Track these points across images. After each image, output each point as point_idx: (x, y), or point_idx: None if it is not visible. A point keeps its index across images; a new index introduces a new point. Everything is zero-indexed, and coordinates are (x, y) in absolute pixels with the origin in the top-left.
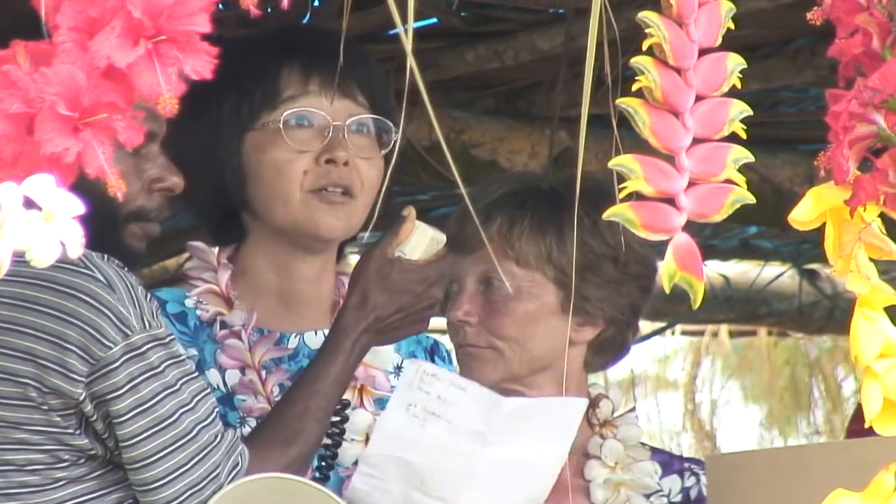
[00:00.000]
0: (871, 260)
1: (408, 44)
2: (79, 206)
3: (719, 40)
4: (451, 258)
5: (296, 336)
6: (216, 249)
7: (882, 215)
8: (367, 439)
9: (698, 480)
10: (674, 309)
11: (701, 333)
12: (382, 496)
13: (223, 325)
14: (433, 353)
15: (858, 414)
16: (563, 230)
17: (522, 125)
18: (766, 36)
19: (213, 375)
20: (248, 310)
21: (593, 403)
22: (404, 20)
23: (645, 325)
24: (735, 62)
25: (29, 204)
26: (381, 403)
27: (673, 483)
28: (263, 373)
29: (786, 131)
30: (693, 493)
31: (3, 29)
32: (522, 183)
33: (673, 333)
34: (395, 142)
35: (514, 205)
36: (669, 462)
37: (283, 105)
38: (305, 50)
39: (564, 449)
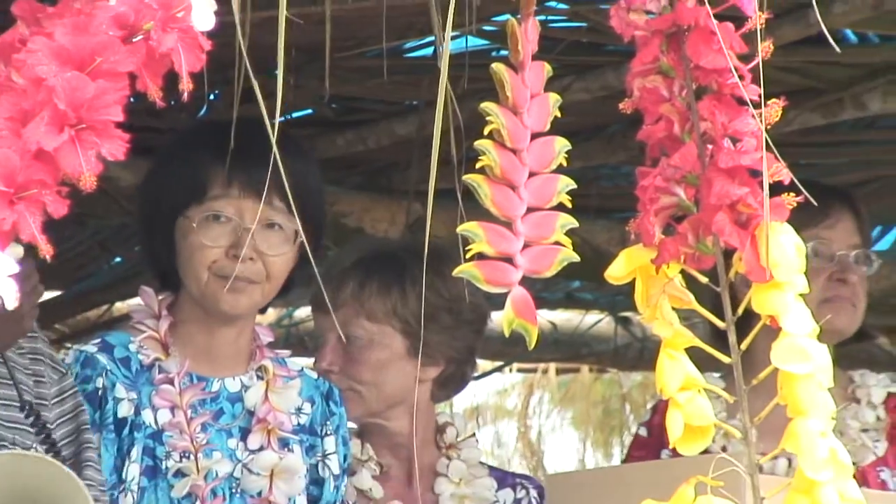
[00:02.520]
0: (674, 309)
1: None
2: (13, 266)
3: (548, 126)
4: (316, 316)
5: (218, 381)
6: (160, 298)
7: (683, 271)
8: (271, 475)
9: (528, 493)
10: (511, 350)
11: (533, 370)
12: None
13: (160, 369)
14: (328, 397)
15: (637, 442)
16: (405, 289)
17: (383, 198)
18: (586, 122)
19: (147, 415)
20: (182, 356)
21: (440, 429)
22: (281, 112)
23: (486, 364)
24: (561, 144)
25: None
26: (284, 442)
27: (507, 495)
28: (189, 413)
29: (603, 202)
30: (524, 503)
31: None
32: (370, 251)
33: (510, 370)
34: (298, 235)
35: (363, 270)
36: (503, 477)
37: (208, 202)
38: (234, 154)
39: None
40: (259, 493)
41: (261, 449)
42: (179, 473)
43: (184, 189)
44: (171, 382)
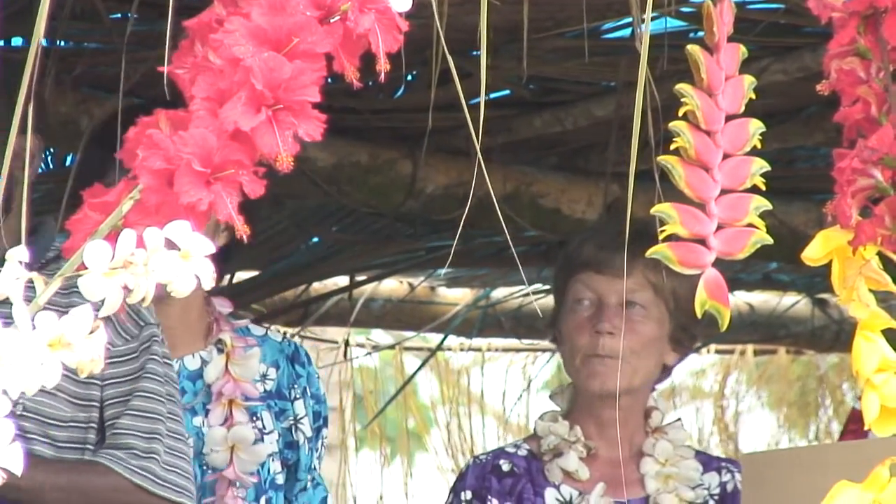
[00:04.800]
0: (870, 291)
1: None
2: (210, 247)
3: (743, 108)
4: (587, 276)
5: (176, 361)
6: None
7: (879, 253)
8: (231, 449)
9: (733, 476)
10: (707, 331)
11: (731, 352)
12: None
13: None
14: (294, 359)
15: (853, 416)
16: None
17: (580, 179)
18: (783, 104)
19: None
20: None
21: (646, 413)
22: (481, 92)
23: None
24: (756, 126)
25: (169, 245)
26: (253, 410)
27: (712, 478)
28: None
29: (801, 183)
30: (729, 487)
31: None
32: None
33: (708, 351)
34: None
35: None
36: (709, 461)
37: None
38: None
39: None
40: (218, 469)
41: (224, 422)
42: None
43: None
44: None
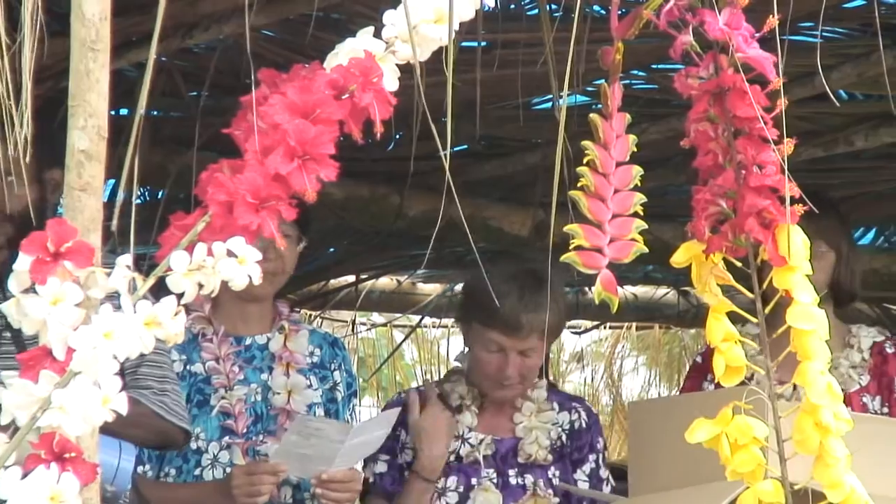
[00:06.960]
0: (718, 285)
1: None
2: (258, 255)
3: (628, 157)
4: (489, 332)
5: (251, 338)
6: None
7: (725, 259)
8: (289, 394)
9: (580, 415)
10: (605, 313)
11: (620, 327)
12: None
13: (203, 335)
14: (334, 344)
15: (694, 365)
16: (554, 305)
17: (517, 207)
18: (657, 155)
19: (198, 367)
20: (220, 325)
21: None
22: (447, 146)
23: (587, 322)
24: (637, 170)
25: (230, 254)
26: (302, 371)
27: (564, 417)
28: (230, 359)
29: (669, 210)
30: (577, 425)
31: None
32: (519, 274)
33: (604, 328)
34: None
35: (524, 299)
36: (563, 402)
37: None
38: None
39: (385, 431)
40: (283, 405)
41: (283, 376)
42: (221, 400)
43: None
44: (211, 342)
